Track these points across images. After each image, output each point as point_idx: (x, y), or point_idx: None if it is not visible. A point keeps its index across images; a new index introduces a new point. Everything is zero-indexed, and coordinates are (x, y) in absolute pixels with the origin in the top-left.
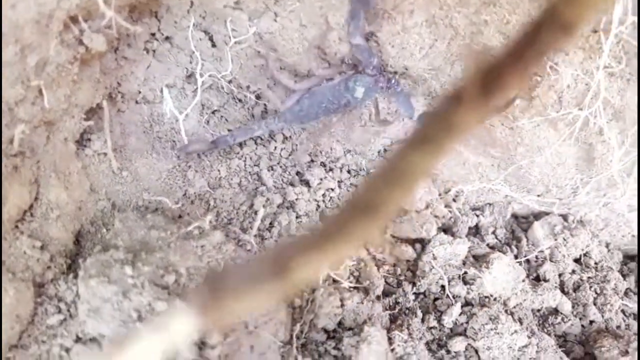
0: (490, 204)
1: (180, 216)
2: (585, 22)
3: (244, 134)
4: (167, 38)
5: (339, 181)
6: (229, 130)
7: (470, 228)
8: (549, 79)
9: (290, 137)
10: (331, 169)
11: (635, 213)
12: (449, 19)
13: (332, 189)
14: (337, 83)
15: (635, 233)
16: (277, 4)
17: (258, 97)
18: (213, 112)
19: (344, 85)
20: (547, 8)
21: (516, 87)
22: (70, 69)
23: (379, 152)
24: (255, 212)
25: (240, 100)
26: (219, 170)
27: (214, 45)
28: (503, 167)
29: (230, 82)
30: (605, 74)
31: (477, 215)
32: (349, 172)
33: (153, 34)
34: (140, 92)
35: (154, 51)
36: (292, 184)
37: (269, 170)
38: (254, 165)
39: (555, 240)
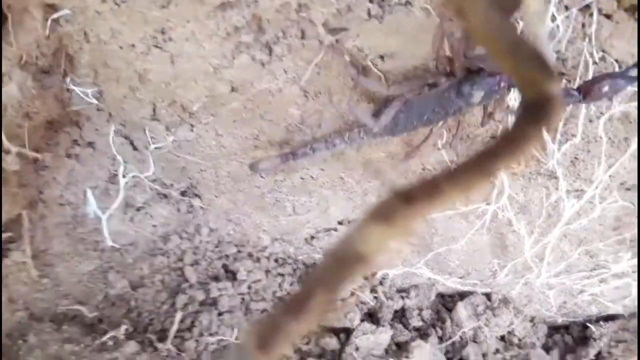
0: (415, 286)
1: (100, 320)
2: (381, 254)
3: (325, 147)
4: (89, 143)
5: (266, 271)
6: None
7: (396, 311)
8: None
9: (216, 229)
10: (258, 259)
11: (555, 290)
12: None
13: (259, 280)
14: (446, 89)
15: (556, 307)
16: (192, 117)
17: (183, 193)
18: (137, 210)
19: (456, 90)
20: (342, 246)
21: (309, 327)
22: None
23: (305, 239)
24: (177, 311)
25: (165, 196)
26: (141, 268)
27: (135, 149)
28: (423, 254)
29: (154, 181)
30: (507, 173)
31: (403, 298)
32: (276, 261)
33: (75, 141)
34: (62, 196)
35: (76, 155)
36: (216, 278)
37: (192, 265)
38: (178, 261)
39: (479, 320)
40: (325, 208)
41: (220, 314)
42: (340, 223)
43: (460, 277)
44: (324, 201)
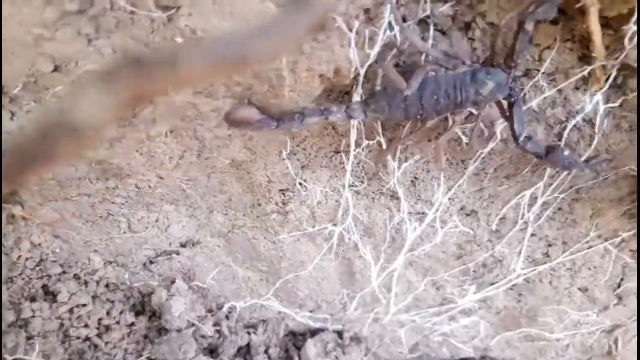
0: (264, 321)
1: None
2: (101, 126)
3: (316, 115)
4: None
5: (94, 296)
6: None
7: (240, 348)
8: (300, 195)
9: (40, 244)
10: (86, 283)
11: (406, 329)
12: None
13: (85, 305)
14: (464, 72)
15: (408, 348)
16: (13, 103)
17: (2, 200)
18: None
19: (471, 76)
20: (52, 115)
21: None
22: None
23: (144, 264)
24: None
25: None
26: None
27: None
28: (272, 282)
29: None
30: (352, 192)
31: (250, 334)
32: (107, 286)
33: None
34: None
35: None
36: (33, 299)
37: (5, 283)
38: None
39: (327, 358)
40: (166, 226)
41: (30, 337)
42: (183, 245)
43: (311, 311)
44: (164, 218)
